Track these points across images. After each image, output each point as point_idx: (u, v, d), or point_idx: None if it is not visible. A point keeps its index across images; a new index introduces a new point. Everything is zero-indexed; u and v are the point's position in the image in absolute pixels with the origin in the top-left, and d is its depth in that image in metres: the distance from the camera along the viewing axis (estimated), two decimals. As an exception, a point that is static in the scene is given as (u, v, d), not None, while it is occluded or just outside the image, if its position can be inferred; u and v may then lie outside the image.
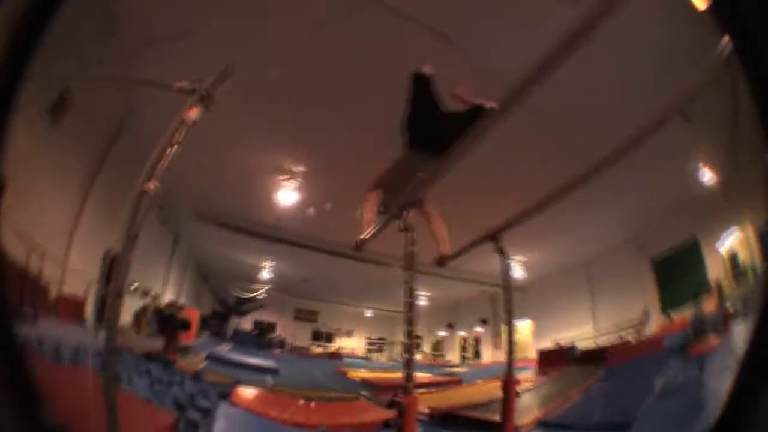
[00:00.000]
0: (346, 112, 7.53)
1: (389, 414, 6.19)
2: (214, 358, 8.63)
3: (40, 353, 4.22)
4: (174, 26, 5.88)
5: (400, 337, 14.08)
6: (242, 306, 13.12)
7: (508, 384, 3.73)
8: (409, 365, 3.16)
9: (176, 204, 9.93)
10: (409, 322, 3.17)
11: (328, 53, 6.27)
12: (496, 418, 5.87)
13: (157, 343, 7.53)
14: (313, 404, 7.35)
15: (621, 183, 6.76)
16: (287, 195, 9.90)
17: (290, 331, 13.63)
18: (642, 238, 6.68)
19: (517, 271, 9.69)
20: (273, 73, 6.83)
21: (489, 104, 4.00)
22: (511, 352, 3.79)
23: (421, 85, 4.14)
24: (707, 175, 4.92)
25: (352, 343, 14.10)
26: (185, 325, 8.21)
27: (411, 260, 3.44)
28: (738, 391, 1.41)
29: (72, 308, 5.86)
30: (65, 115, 5.53)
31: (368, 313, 14.29)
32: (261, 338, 12.91)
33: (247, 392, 6.99)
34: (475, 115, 3.99)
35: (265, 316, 13.60)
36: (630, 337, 6.40)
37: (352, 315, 14.13)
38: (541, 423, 5.63)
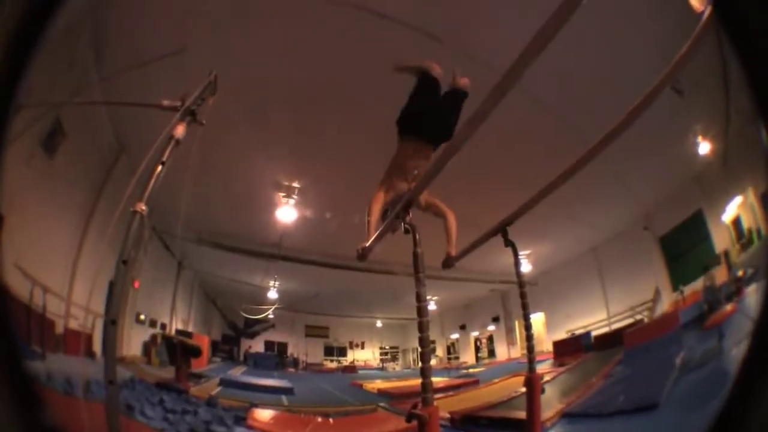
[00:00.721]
0: (343, 122, 7.56)
1: (409, 425, 6.13)
2: (227, 383, 8.53)
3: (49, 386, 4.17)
4: (164, 45, 5.91)
5: (413, 343, 14.11)
6: (252, 328, 13.09)
7: (532, 380, 3.60)
8: (426, 374, 2.94)
9: (176, 228, 9.96)
10: (422, 328, 3.01)
11: (322, 61, 6.29)
12: (519, 415, 5.78)
13: (168, 372, 7.47)
14: (332, 420, 7.26)
15: (620, 164, 6.75)
16: (287, 212, 9.86)
17: (302, 349, 13.58)
18: (646, 218, 6.65)
19: (525, 265, 9.67)
20: (270, 87, 6.85)
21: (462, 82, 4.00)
22: (530, 348, 3.67)
23: (430, 82, 4.09)
24: (705, 147, 4.92)
25: (366, 355, 13.99)
26: (195, 352, 8.15)
27: (419, 262, 3.30)
28: (755, 355, 1.36)
29: (80, 340, 5.81)
30: (59, 147, 5.53)
31: (379, 324, 14.15)
32: (276, 359, 12.85)
33: (263, 414, 6.91)
34: (460, 98, 3.99)
35: (276, 336, 13.56)
36: (644, 317, 6.34)
37: (363, 326, 14.05)
38: (565, 414, 5.53)
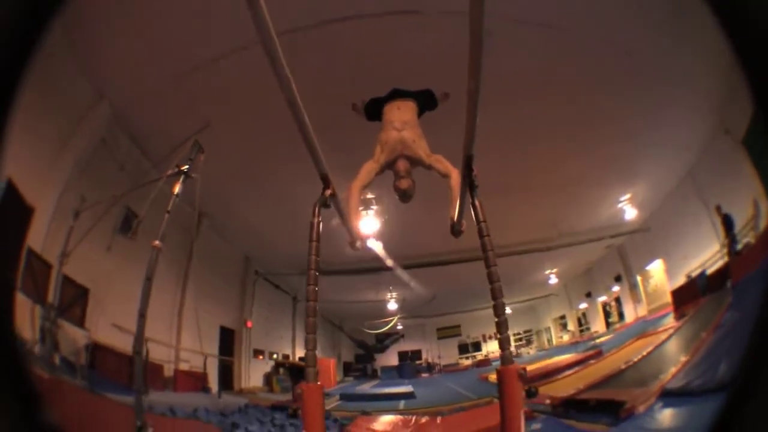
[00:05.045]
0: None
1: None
2: (346, 397, 9.25)
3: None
4: (192, 126, 6.98)
5: (545, 323, 13.28)
6: (383, 343, 13.81)
7: (503, 375, 2.90)
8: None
9: (279, 267, 11.21)
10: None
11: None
12: (617, 396, 5.27)
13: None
14: (439, 419, 7.34)
15: (683, 69, 5.81)
16: (370, 223, 10.14)
17: (436, 352, 13.83)
18: (722, 120, 5.48)
19: (630, 210, 8.60)
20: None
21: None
22: (503, 340, 3.00)
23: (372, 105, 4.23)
24: None
25: (500, 344, 13.42)
26: (311, 374, 9.01)
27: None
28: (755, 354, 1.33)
29: (190, 378, 7.04)
30: (138, 228, 6.77)
31: (507, 310, 13.41)
32: (408, 367, 13.32)
33: (368, 420, 7.34)
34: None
35: (408, 345, 14.09)
36: (750, 238, 5.09)
37: (492, 317, 13.48)
38: (664, 393, 4.81)
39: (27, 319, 4.60)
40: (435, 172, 3.70)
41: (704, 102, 5.96)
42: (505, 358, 2.80)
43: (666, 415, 4.58)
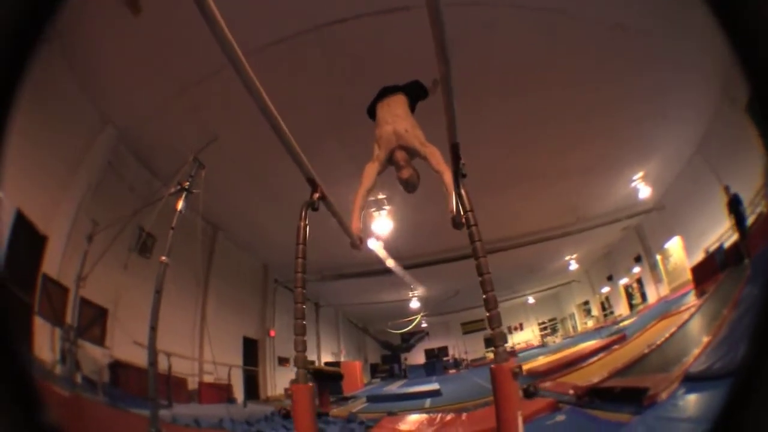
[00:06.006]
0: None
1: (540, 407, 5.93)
2: (373, 398, 9.29)
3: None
4: (201, 140, 7.12)
5: (569, 309, 13.09)
6: (408, 342, 13.84)
7: (496, 373, 2.70)
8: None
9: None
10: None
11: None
12: (640, 382, 5.15)
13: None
14: (464, 415, 7.31)
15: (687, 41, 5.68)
16: (383, 223, 10.10)
17: (462, 347, 13.78)
18: (730, 90, 5.28)
19: (644, 189, 8.42)
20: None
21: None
22: (497, 337, 2.73)
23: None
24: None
25: (526, 335, 13.49)
26: (335, 378, 9.10)
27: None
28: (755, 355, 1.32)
29: (214, 390, 7.22)
30: (153, 247, 6.96)
31: (531, 300, 13.54)
32: (434, 364, 13.31)
33: (393, 420, 7.35)
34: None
35: (434, 343, 14.08)
36: (762, 207, 4.88)
37: (516, 308, 13.62)
38: (687, 378, 4.67)
39: (46, 341, 4.80)
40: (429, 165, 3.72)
41: (709, 71, 5.79)
42: (499, 355, 2.62)
43: (688, 402, 4.44)
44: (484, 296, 2.79)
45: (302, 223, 3.29)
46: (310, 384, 2.88)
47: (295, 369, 3.00)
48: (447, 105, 2.76)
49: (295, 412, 2.87)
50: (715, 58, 5.51)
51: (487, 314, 2.77)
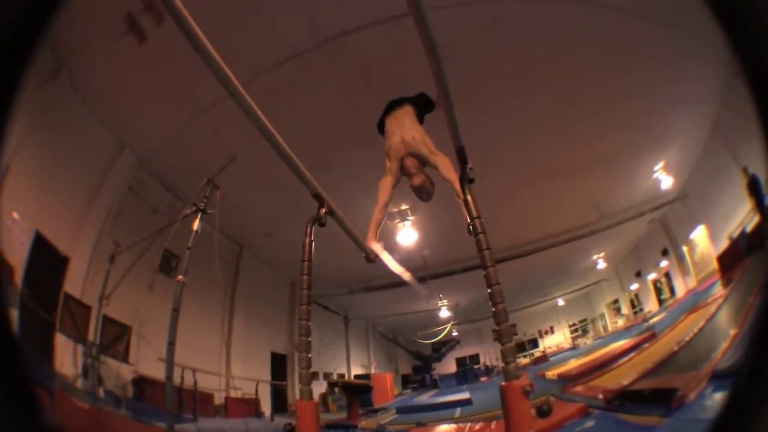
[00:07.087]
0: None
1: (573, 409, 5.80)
2: (402, 409, 9.21)
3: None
4: (220, 161, 7.34)
5: (599, 309, 12.70)
6: (439, 351, 13.72)
7: (506, 391, 2.37)
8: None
9: (328, 289, 11.42)
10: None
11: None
12: (670, 383, 4.98)
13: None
14: (493, 424, 7.20)
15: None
16: (408, 234, 10.06)
17: (494, 354, 13.53)
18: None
19: (666, 179, 8.20)
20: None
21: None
22: (506, 351, 2.42)
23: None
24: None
25: (557, 339, 13.14)
26: (364, 390, 9.11)
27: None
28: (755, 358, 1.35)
29: (242, 405, 7.35)
30: (177, 267, 7.17)
31: (560, 302, 13.19)
32: (465, 373, 13.12)
33: (421, 431, 7.30)
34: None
35: (465, 351, 13.90)
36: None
37: (547, 311, 13.32)
38: (715, 375, 4.49)
39: (68, 356, 5.03)
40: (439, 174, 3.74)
41: (717, 49, 5.61)
42: (509, 372, 2.45)
43: (716, 402, 4.27)
44: (493, 309, 2.63)
45: (308, 240, 3.31)
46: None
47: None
48: (446, 107, 2.75)
49: (300, 428, 2.93)
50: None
51: (497, 327, 2.62)
